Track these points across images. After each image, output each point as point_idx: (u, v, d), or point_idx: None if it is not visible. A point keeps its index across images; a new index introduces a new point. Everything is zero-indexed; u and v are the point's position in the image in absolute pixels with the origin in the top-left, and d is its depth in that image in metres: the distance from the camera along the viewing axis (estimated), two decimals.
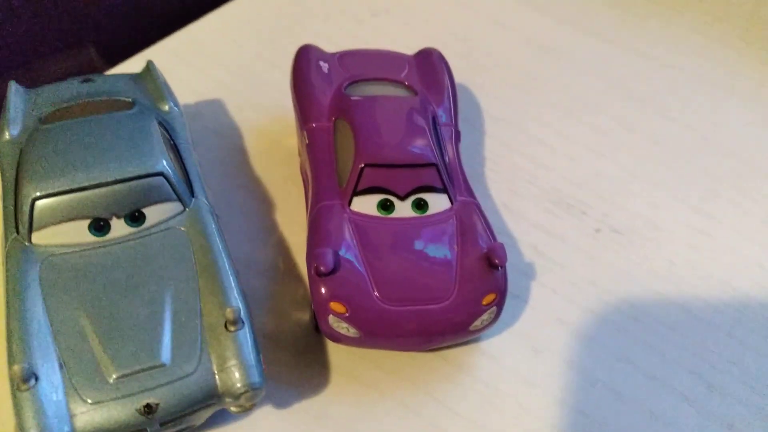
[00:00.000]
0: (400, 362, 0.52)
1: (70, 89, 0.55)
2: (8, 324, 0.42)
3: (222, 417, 0.47)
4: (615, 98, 0.74)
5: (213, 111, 0.68)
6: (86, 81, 0.56)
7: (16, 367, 0.39)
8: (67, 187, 0.45)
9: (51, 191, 0.45)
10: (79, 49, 0.81)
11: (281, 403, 0.49)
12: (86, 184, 0.46)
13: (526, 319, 0.56)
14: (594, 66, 0.77)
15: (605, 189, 0.65)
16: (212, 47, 0.75)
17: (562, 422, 0.50)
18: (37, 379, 0.40)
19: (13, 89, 0.55)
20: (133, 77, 0.58)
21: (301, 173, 0.61)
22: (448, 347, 0.53)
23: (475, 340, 0.53)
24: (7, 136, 0.51)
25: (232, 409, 0.44)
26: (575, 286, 0.58)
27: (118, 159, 0.47)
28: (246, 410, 0.44)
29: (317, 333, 0.53)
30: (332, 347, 0.52)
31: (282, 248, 0.58)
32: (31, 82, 0.57)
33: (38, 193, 0.45)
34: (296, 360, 0.51)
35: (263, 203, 0.61)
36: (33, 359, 0.40)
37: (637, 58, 0.79)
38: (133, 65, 0.71)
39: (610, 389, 0.52)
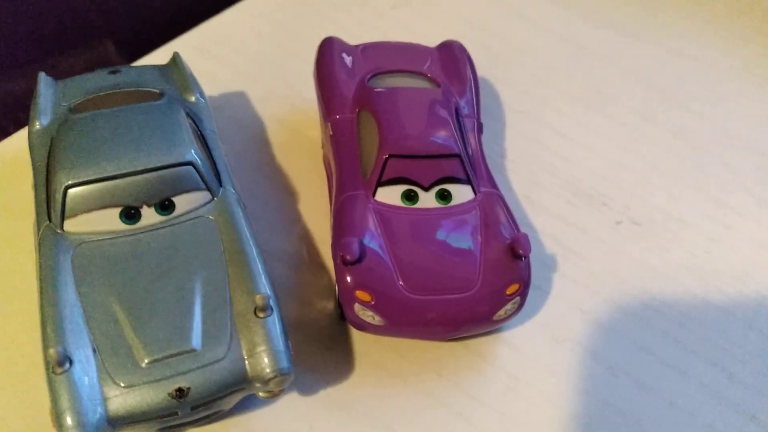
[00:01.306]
0: (423, 351, 0.52)
1: (99, 80, 0.56)
2: (42, 309, 0.43)
3: (249, 402, 0.48)
4: (636, 91, 0.74)
5: (236, 102, 0.68)
6: (114, 72, 0.57)
7: (51, 351, 0.40)
8: (99, 176, 0.46)
9: (83, 179, 0.46)
10: (98, 44, 0.82)
11: (307, 389, 0.50)
12: (117, 172, 0.46)
13: (548, 309, 0.56)
14: (615, 58, 0.77)
15: (626, 181, 0.65)
16: (235, 40, 0.75)
17: (583, 411, 0.50)
18: (71, 362, 0.40)
19: (43, 80, 0.56)
20: (160, 69, 0.58)
21: (324, 164, 0.62)
22: (470, 337, 0.53)
23: (498, 330, 0.54)
24: (37, 125, 0.52)
25: (261, 394, 0.45)
26: (596, 277, 0.58)
27: (148, 148, 0.48)
28: (274, 396, 0.45)
29: (342, 321, 0.53)
30: (356, 336, 0.53)
31: (306, 238, 0.58)
32: (52, 76, 0.58)
33: (71, 181, 0.46)
34: (321, 348, 0.52)
35: (287, 194, 0.61)
36: (67, 343, 0.41)
37: (658, 50, 0.79)
38: (155, 59, 0.72)
39: (631, 379, 0.52)
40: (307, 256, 0.57)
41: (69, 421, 0.39)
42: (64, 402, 0.39)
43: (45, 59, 0.79)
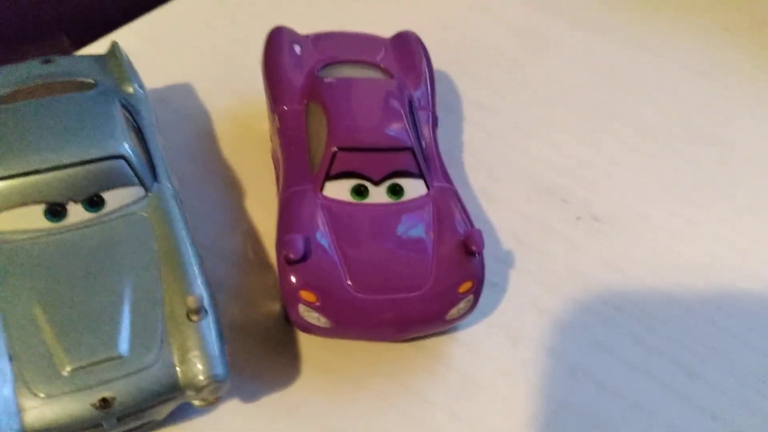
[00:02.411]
0: (374, 353, 0.50)
1: (30, 70, 0.52)
2: None
3: (186, 411, 0.45)
4: (598, 86, 0.73)
5: (182, 95, 0.65)
6: (47, 62, 0.54)
7: None
8: (20, 170, 0.43)
9: (3, 174, 0.43)
10: (50, 36, 0.78)
11: (249, 396, 0.47)
12: (41, 166, 0.43)
13: (505, 307, 0.54)
14: (578, 54, 0.76)
15: (587, 177, 0.64)
16: (183, 30, 0.72)
17: (541, 412, 0.49)
18: None
19: None
20: (97, 59, 0.55)
21: (273, 158, 0.59)
22: (423, 337, 0.51)
23: (452, 330, 0.52)
24: None
25: (195, 402, 0.42)
26: (556, 274, 0.56)
27: (76, 141, 0.44)
28: (210, 404, 0.42)
29: (288, 324, 0.51)
30: (304, 338, 0.50)
31: (252, 236, 0.56)
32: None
33: None
34: (266, 352, 0.49)
35: (233, 189, 0.59)
36: None
37: (622, 45, 0.78)
38: (99, 48, 0.68)
39: (590, 379, 0.50)
40: (253, 255, 0.55)
41: None
42: None
43: None
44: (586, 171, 0.64)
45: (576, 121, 0.69)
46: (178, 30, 0.72)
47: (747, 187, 0.64)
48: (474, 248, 0.48)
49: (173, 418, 0.44)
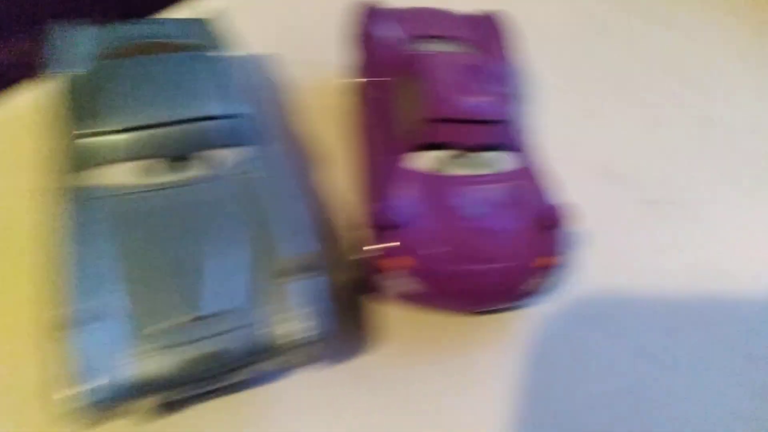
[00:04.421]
0: (439, 326, 0.51)
1: (131, 30, 0.52)
2: (56, 264, 0.40)
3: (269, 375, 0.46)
4: (663, 77, 0.73)
5: (257, 65, 0.65)
6: (141, 23, 0.54)
7: (53, 313, 0.37)
8: (119, 127, 0.43)
9: (102, 129, 0.43)
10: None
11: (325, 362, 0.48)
12: (140, 123, 0.43)
13: (573, 288, 0.54)
14: (641, 45, 0.76)
15: (654, 164, 0.65)
16: (256, 2, 0.72)
17: (608, 392, 0.50)
18: (83, 322, 0.37)
19: (56, 30, 0.52)
20: (194, 21, 0.55)
21: (353, 130, 0.59)
22: (494, 312, 0.52)
23: (522, 306, 0.52)
24: (60, 73, 0.49)
25: (291, 361, 0.42)
26: (624, 256, 0.57)
27: (194, 97, 0.45)
28: (307, 365, 0.43)
29: (358, 293, 0.51)
30: (373, 308, 0.51)
31: (324, 207, 0.56)
32: None
33: (87, 131, 0.43)
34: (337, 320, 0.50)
35: (306, 160, 0.59)
36: (74, 304, 0.38)
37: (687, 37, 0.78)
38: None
39: (656, 360, 0.52)
40: (324, 225, 0.55)
41: (77, 384, 0.36)
42: (72, 364, 0.36)
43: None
44: (648, 157, 0.65)
45: (640, 109, 0.70)
46: (249, 2, 0.71)
47: None
48: (554, 223, 0.48)
49: (257, 380, 0.45)
